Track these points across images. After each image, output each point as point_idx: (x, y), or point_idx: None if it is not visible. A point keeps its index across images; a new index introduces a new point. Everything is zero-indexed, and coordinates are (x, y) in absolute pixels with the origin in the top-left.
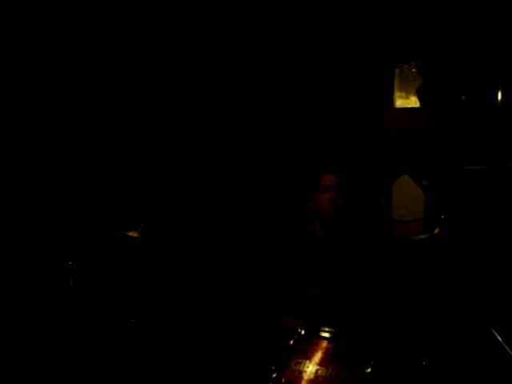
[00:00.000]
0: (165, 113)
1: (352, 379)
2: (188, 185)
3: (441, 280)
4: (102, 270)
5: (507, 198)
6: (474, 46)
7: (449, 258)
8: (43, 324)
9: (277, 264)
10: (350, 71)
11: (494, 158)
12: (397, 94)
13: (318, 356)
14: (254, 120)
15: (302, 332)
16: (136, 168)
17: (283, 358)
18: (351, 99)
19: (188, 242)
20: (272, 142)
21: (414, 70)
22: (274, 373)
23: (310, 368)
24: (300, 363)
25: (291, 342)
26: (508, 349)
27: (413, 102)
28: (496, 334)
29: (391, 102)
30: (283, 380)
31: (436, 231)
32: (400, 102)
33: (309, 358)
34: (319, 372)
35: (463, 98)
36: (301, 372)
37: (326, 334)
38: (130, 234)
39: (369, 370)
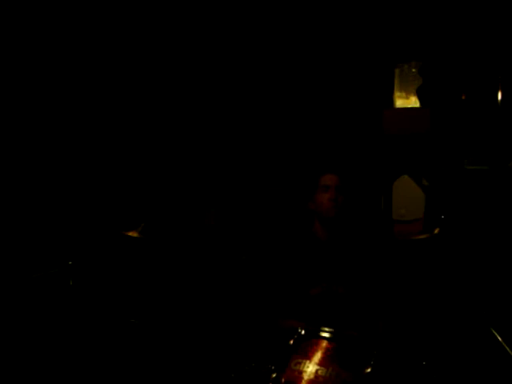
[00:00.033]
0: (165, 113)
1: (352, 379)
2: (188, 185)
3: (441, 280)
4: (102, 269)
5: (507, 197)
6: (473, 46)
7: (449, 258)
8: (43, 324)
9: (277, 264)
10: (350, 71)
11: (493, 158)
12: (397, 93)
13: (317, 356)
14: (254, 120)
15: (302, 332)
16: (136, 168)
17: (283, 357)
18: (351, 99)
19: (188, 242)
20: (272, 142)
21: (414, 70)
22: (273, 373)
23: (310, 368)
24: (300, 363)
25: (291, 342)
26: (508, 349)
27: (413, 101)
28: (496, 334)
29: (391, 102)
30: (283, 380)
31: (436, 231)
32: (400, 102)
33: (309, 357)
34: (319, 372)
35: (463, 97)
36: (301, 372)
37: (326, 334)
38: (130, 234)
39: (369, 369)
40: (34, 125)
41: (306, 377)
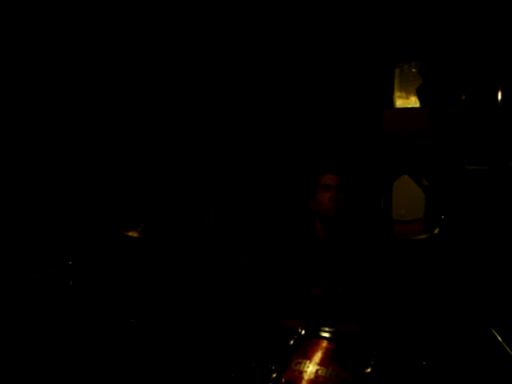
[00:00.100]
0: (165, 113)
1: (352, 379)
2: (188, 185)
3: (441, 280)
4: (102, 269)
5: (507, 197)
6: (473, 46)
7: (449, 258)
8: (43, 324)
9: (277, 264)
10: (350, 71)
11: (494, 158)
12: (397, 93)
13: (318, 356)
14: (254, 120)
15: (302, 332)
16: (136, 168)
17: (283, 357)
18: (351, 99)
19: (188, 242)
20: (272, 141)
21: (414, 70)
22: (274, 373)
23: (310, 368)
24: (300, 363)
25: (291, 342)
26: (508, 349)
27: (413, 101)
28: (496, 333)
29: (391, 102)
30: (283, 380)
31: (436, 231)
32: (400, 102)
33: (309, 357)
34: (319, 372)
35: (463, 98)
36: (301, 372)
37: (326, 334)
38: (130, 234)
39: (369, 369)
40: (34, 125)
41: (306, 377)
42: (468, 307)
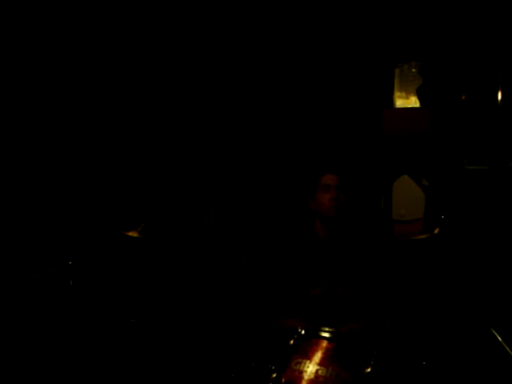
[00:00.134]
0: (165, 113)
1: (352, 379)
2: (188, 185)
3: (441, 280)
4: (102, 269)
5: (507, 197)
6: (473, 46)
7: (449, 258)
8: (43, 324)
9: (277, 264)
10: (350, 71)
11: (493, 158)
12: (397, 93)
13: (318, 356)
14: (254, 120)
15: (302, 332)
16: (136, 168)
17: (283, 358)
18: (351, 99)
19: (188, 242)
20: (272, 141)
21: (414, 70)
22: (274, 373)
23: (311, 368)
24: (300, 363)
25: (291, 342)
26: (508, 349)
27: (413, 101)
28: (496, 333)
29: (391, 102)
30: (283, 380)
31: (436, 231)
32: (400, 102)
33: (309, 357)
34: (319, 372)
35: (463, 98)
36: (301, 372)
37: (326, 334)
38: (130, 234)
39: (369, 369)
40: (34, 125)
41: (306, 377)
42: (468, 307)
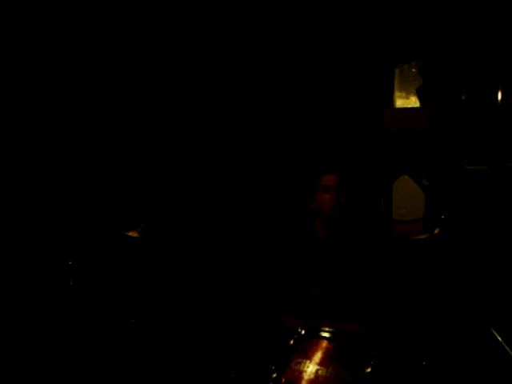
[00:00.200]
0: (165, 113)
1: (352, 379)
2: (188, 185)
3: (441, 280)
4: (102, 269)
5: (507, 197)
6: (473, 46)
7: (449, 258)
8: (43, 324)
9: (277, 264)
10: (351, 71)
11: (493, 158)
12: (397, 93)
13: (318, 356)
14: (255, 120)
15: (302, 332)
16: (136, 168)
17: (283, 358)
18: (351, 99)
19: (188, 242)
20: (272, 142)
21: (414, 70)
22: (274, 373)
23: (311, 368)
24: (300, 363)
25: (291, 342)
26: (508, 349)
27: (413, 101)
28: (496, 334)
29: (391, 101)
30: (283, 380)
31: (436, 231)
32: (400, 102)
33: (309, 357)
34: (319, 372)
35: (463, 98)
36: (301, 372)
37: (326, 334)
38: (130, 234)
39: (369, 369)
40: (34, 125)
41: (306, 377)
42: (468, 307)
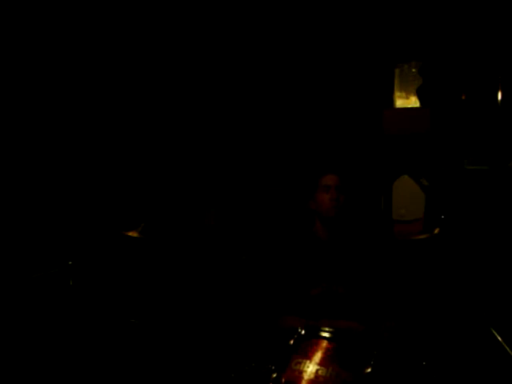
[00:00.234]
0: (165, 113)
1: (352, 379)
2: (188, 185)
3: (441, 280)
4: (102, 269)
5: (507, 197)
6: (473, 46)
7: (449, 258)
8: (43, 324)
9: (277, 264)
10: (351, 71)
11: (493, 158)
12: (397, 93)
13: (318, 356)
14: (254, 120)
15: (302, 332)
16: (136, 168)
17: (283, 358)
18: (351, 99)
19: (188, 242)
20: (272, 142)
21: (414, 70)
22: (274, 373)
23: (311, 368)
24: (300, 363)
25: (291, 342)
26: (508, 349)
27: (413, 101)
28: (496, 333)
29: (391, 101)
30: (283, 380)
31: (436, 231)
32: (400, 102)
33: (309, 357)
34: (319, 372)
35: (463, 98)
36: (301, 372)
37: (326, 334)
38: (130, 234)
39: (369, 369)
40: (34, 125)
41: (306, 377)
42: (468, 307)
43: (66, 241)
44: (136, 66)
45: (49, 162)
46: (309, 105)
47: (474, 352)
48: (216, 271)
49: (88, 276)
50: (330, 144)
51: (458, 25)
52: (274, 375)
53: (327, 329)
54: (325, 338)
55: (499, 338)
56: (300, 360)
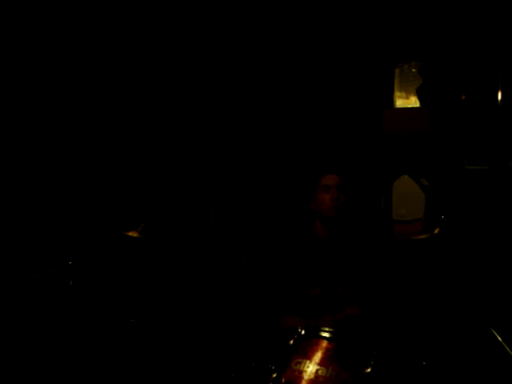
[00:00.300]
0: (165, 113)
1: (352, 379)
2: (188, 185)
3: (441, 280)
4: (102, 269)
5: (507, 197)
6: (473, 46)
7: (449, 258)
8: (43, 324)
9: (277, 264)
10: (351, 71)
11: (494, 158)
12: (397, 93)
13: (318, 356)
14: (255, 120)
15: (302, 332)
16: (136, 168)
17: (283, 358)
18: (351, 99)
19: (188, 242)
20: (272, 142)
21: (414, 70)
22: (274, 373)
23: (311, 368)
24: (300, 363)
25: (291, 342)
26: (508, 349)
27: (413, 101)
28: (496, 334)
29: (391, 101)
30: (283, 380)
31: (436, 231)
32: (400, 102)
33: (309, 357)
34: (319, 372)
35: (463, 98)
36: (301, 372)
37: (326, 334)
38: (130, 234)
39: (369, 370)
40: (34, 125)
41: (306, 377)
42: (468, 307)
43: (66, 241)
44: (136, 66)
45: (49, 163)
46: (309, 105)
47: (474, 352)
48: (216, 271)
49: (88, 276)
50: (330, 144)
51: (458, 25)
52: (274, 375)
53: (327, 329)
54: (325, 337)
55: (499, 338)
56: (300, 360)
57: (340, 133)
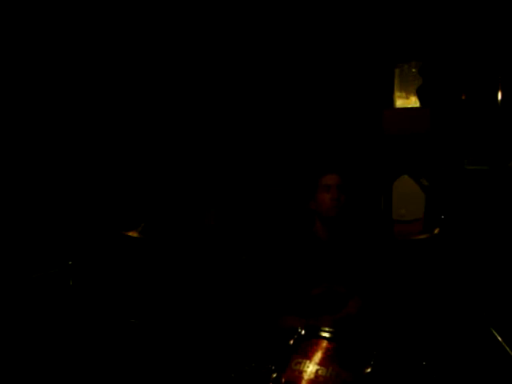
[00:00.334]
0: (165, 113)
1: (352, 379)
2: (188, 185)
3: (441, 280)
4: (102, 269)
5: (507, 197)
6: (473, 46)
7: (449, 258)
8: (43, 324)
9: (277, 264)
10: (351, 71)
11: (494, 158)
12: (397, 93)
13: (318, 356)
14: (255, 120)
15: (302, 332)
16: (136, 168)
17: (283, 358)
18: (351, 99)
19: (188, 242)
20: (273, 142)
21: (414, 70)
22: (274, 373)
23: (311, 368)
24: (300, 363)
25: (291, 342)
26: (508, 349)
27: (413, 101)
28: (496, 333)
29: (391, 101)
30: (283, 380)
31: (436, 231)
32: (400, 102)
33: (309, 357)
34: (319, 372)
35: (463, 98)
36: (301, 372)
37: (326, 334)
38: (130, 234)
39: (369, 370)
40: (34, 125)
41: (306, 377)
42: (468, 307)
43: (66, 241)
44: (136, 66)
45: (49, 163)
46: (309, 105)
47: (474, 352)
48: (216, 271)
49: (88, 276)
50: (331, 144)
51: (458, 25)
52: (274, 375)
53: (327, 329)
54: (325, 337)
55: (499, 338)
56: (300, 360)
57: (340, 133)
